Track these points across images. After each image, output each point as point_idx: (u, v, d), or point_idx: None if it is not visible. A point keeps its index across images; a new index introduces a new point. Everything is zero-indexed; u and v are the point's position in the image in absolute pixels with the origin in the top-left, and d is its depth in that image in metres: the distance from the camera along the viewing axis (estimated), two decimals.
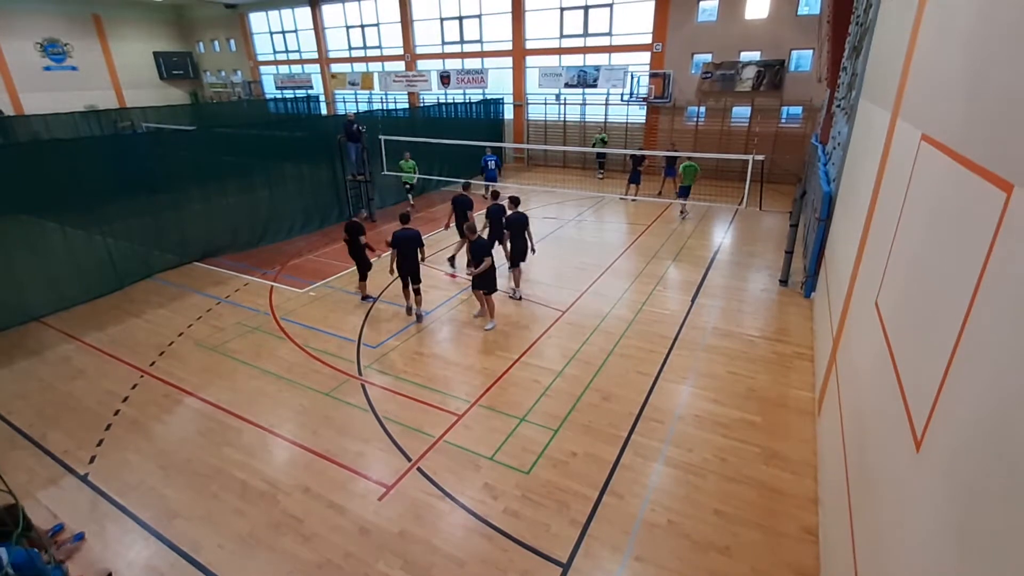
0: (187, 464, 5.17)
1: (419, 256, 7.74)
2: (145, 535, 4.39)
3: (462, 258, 9.84)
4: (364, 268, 8.62)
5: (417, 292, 7.95)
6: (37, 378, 6.70)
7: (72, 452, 5.36)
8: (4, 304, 7.96)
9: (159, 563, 4.14)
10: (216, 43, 32.08)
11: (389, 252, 7.68)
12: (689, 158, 12.89)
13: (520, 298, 8.75)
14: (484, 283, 7.52)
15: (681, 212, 13.72)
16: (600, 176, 18.72)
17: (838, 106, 9.95)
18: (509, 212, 8.43)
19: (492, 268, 7.37)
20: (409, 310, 8.08)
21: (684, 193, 12.85)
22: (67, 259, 8.79)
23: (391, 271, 7.71)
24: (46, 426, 5.77)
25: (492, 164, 14.75)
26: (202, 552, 4.21)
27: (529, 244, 8.50)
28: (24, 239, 8.45)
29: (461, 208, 9.71)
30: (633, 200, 14.64)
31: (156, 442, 5.51)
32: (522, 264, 8.71)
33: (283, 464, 5.18)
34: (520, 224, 8.32)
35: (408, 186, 14.22)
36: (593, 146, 18.60)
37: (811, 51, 16.26)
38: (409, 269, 7.72)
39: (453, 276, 9.72)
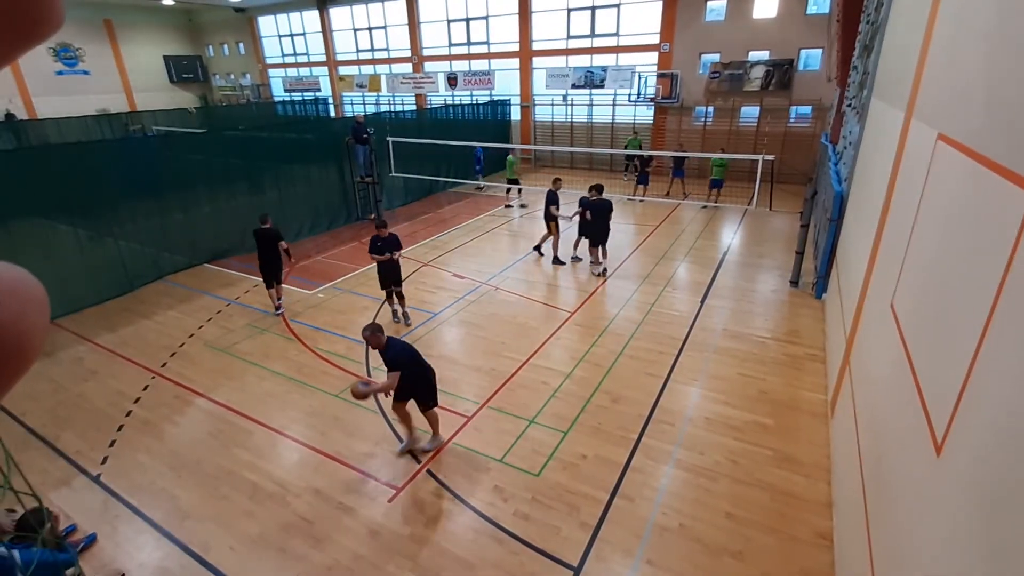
0: (198, 465, 5.20)
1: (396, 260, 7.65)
2: (156, 536, 4.41)
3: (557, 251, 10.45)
4: (277, 275, 8.12)
5: (400, 296, 7.95)
6: (50, 379, 6.76)
7: (84, 453, 5.40)
8: None
9: (170, 564, 4.16)
10: (225, 47, 32.34)
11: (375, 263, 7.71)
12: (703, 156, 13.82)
13: (602, 272, 9.64)
14: (422, 394, 5.20)
15: (706, 205, 14.03)
16: (625, 179, 18.35)
17: (849, 105, 9.86)
18: (592, 198, 9.26)
19: (425, 377, 5.15)
20: (395, 314, 8.09)
21: (715, 185, 13.96)
22: (79, 261, 8.87)
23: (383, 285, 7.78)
24: (59, 427, 5.82)
25: (483, 157, 16.33)
26: (212, 553, 4.23)
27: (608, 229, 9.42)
28: (37, 241, 8.54)
29: (551, 202, 10.06)
30: (641, 201, 14.64)
31: (167, 443, 5.54)
32: (603, 246, 9.60)
33: (293, 465, 5.19)
34: (603, 209, 9.22)
35: (510, 183, 15.05)
36: (626, 147, 18.28)
37: (820, 50, 16.13)
38: (387, 273, 7.71)
39: (460, 276, 9.72)
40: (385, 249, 7.49)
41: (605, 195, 9.44)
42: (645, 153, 15.29)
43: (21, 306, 0.26)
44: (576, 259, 10.35)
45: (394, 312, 8.11)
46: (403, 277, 8.04)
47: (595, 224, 9.36)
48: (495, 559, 4.10)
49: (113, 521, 4.53)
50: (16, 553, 3.49)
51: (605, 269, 9.75)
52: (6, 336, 0.25)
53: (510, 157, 15.60)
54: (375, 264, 7.84)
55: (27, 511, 3.82)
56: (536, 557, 4.10)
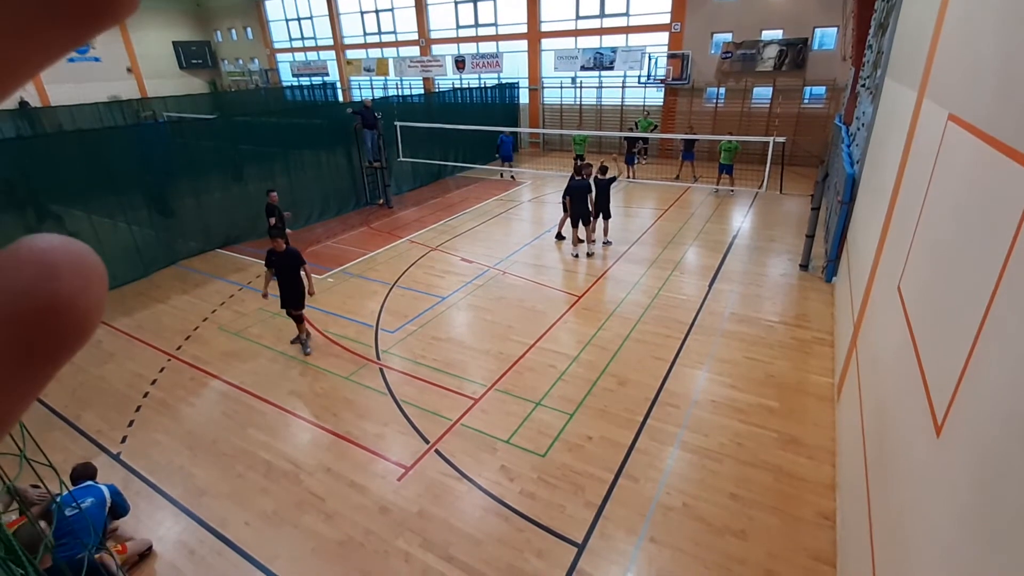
0: (213, 444, 5.35)
1: (303, 280, 6.55)
2: (175, 511, 4.57)
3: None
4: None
5: (300, 320, 6.81)
6: (70, 361, 6.87)
7: (105, 432, 5.58)
8: None
9: (189, 538, 4.31)
10: (233, 31, 32.25)
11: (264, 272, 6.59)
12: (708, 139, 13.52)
13: (590, 254, 9.87)
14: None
15: (718, 190, 13.84)
16: (645, 161, 18.14)
17: (863, 85, 9.66)
18: (578, 179, 9.56)
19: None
20: (299, 341, 6.95)
21: (724, 171, 13.53)
22: (94, 247, 8.87)
23: (264, 295, 6.66)
24: (80, 407, 6.00)
25: (511, 143, 16.64)
26: (229, 528, 4.38)
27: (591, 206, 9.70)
28: (53, 228, 8.71)
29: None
30: (631, 181, 14.78)
31: (184, 423, 5.70)
32: (583, 225, 9.75)
33: (305, 445, 5.33)
34: (583, 189, 9.50)
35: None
36: (636, 126, 18.03)
37: (835, 29, 15.74)
38: (288, 295, 6.60)
39: (469, 261, 9.77)
40: (282, 267, 6.41)
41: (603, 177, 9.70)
42: (636, 135, 15.40)
43: (84, 281, 0.26)
44: (607, 243, 10.47)
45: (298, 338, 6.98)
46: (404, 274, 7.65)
47: (574, 205, 9.62)
48: (501, 535, 4.20)
49: (134, 498, 4.68)
50: (103, 487, 3.94)
51: (590, 252, 9.93)
52: (69, 311, 0.25)
53: (578, 135, 16.37)
54: (380, 250, 7.64)
55: (77, 465, 4.13)
56: (541, 534, 4.20)
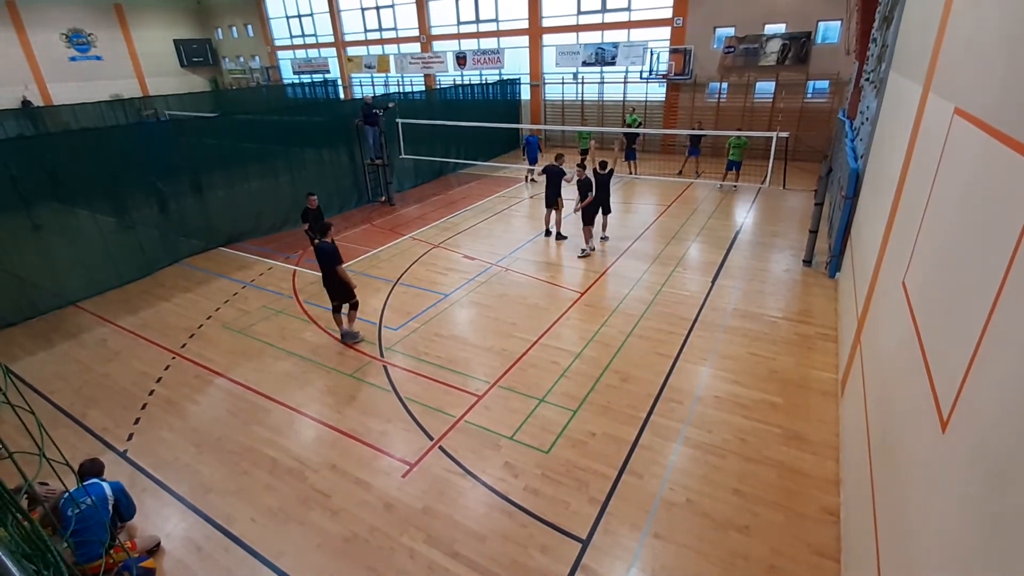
0: (219, 442, 5.37)
1: (338, 274, 6.77)
2: (182, 508, 4.60)
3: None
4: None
5: (355, 307, 7.03)
6: (75, 360, 6.99)
7: (111, 430, 5.61)
8: (43, 289, 8.29)
9: (195, 535, 4.34)
10: (234, 29, 32.21)
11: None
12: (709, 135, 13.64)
13: (591, 250, 9.81)
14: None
15: (721, 185, 13.78)
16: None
17: (867, 79, 9.61)
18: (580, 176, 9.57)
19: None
20: (344, 336, 7.10)
21: (733, 167, 13.45)
22: (99, 246, 9.07)
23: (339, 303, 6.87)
24: (85, 405, 6.04)
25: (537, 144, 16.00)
26: (235, 525, 4.40)
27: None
28: (58, 227, 8.74)
29: (554, 179, 10.22)
30: (633, 176, 14.73)
31: (189, 421, 5.73)
32: (588, 224, 9.66)
33: (310, 442, 5.35)
34: (585, 185, 9.48)
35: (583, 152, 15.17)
36: (627, 126, 17.89)
37: (839, 22, 15.64)
38: (331, 288, 6.90)
39: (471, 258, 9.76)
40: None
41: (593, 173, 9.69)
42: (633, 131, 15.31)
43: None
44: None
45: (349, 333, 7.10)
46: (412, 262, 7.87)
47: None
48: (505, 531, 4.22)
49: (140, 495, 4.72)
50: (106, 485, 3.99)
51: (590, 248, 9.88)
52: None
53: (583, 131, 16.56)
54: (382, 248, 7.62)
55: (84, 461, 4.16)
56: (545, 530, 4.21)
